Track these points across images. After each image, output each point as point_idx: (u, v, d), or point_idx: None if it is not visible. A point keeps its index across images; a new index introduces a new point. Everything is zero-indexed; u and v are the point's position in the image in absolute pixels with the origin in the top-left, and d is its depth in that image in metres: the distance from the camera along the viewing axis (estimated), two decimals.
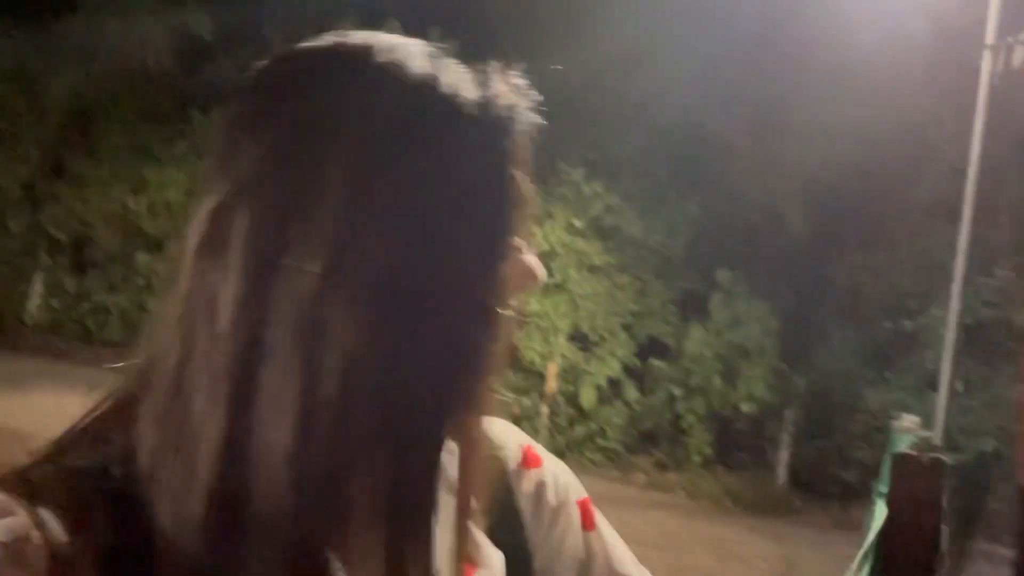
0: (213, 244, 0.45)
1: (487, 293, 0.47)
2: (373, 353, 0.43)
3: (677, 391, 9.27)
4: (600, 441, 9.00)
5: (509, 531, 0.63)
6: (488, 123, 0.50)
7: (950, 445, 5.17)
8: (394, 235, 0.44)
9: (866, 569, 1.96)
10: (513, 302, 0.52)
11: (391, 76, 0.48)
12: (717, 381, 9.17)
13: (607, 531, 0.67)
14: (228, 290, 0.43)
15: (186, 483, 0.43)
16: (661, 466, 9.10)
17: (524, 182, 0.53)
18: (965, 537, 4.86)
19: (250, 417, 0.43)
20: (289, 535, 0.43)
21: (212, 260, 0.45)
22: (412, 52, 0.50)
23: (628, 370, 9.54)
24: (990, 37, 4.74)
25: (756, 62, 10.07)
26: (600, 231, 10.04)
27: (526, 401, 9.28)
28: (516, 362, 9.91)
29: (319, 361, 0.43)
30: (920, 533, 2.09)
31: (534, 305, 9.83)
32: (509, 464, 0.65)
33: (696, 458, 9.07)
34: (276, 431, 0.42)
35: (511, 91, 0.53)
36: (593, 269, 9.90)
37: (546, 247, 9.87)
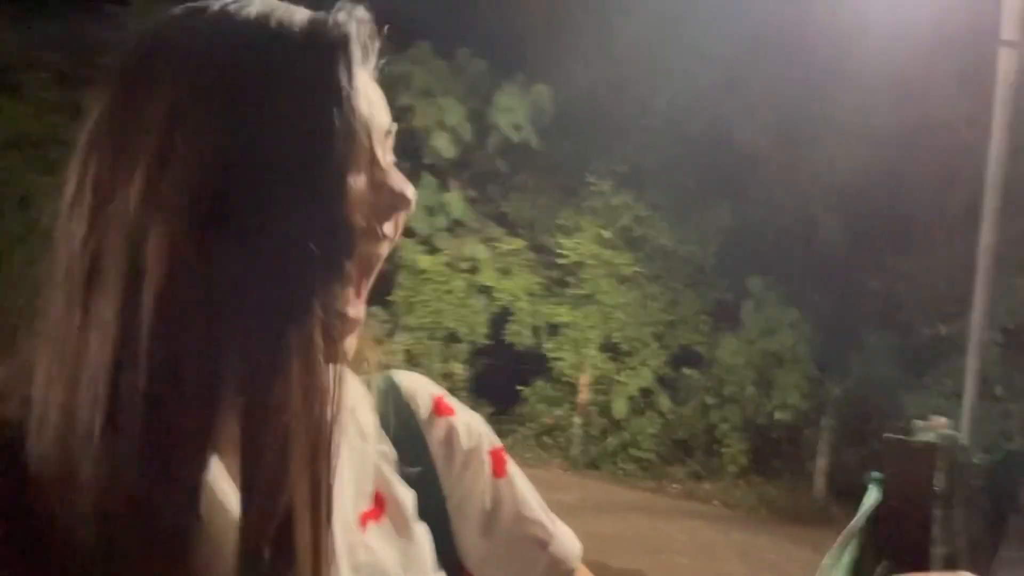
0: (72, 198, 0.49)
1: (326, 209, 0.49)
2: (188, 277, 0.46)
3: (711, 400, 9.22)
4: (634, 451, 8.99)
5: (422, 473, 0.66)
6: (310, 49, 0.51)
7: (980, 446, 5.07)
8: (208, 160, 0.46)
9: (850, 550, 1.99)
10: (387, 224, 0.55)
11: (217, 23, 0.51)
12: (751, 390, 9.10)
13: (519, 480, 0.70)
14: (77, 233, 0.47)
15: (52, 405, 0.47)
16: (696, 476, 9.05)
17: (370, 106, 0.55)
18: (998, 539, 4.76)
19: (87, 336, 0.46)
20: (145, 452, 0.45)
21: (71, 211, 0.48)
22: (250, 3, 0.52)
23: (661, 380, 9.53)
24: (1006, 33, 4.69)
25: (783, 68, 9.98)
26: (630, 241, 10.07)
27: (558, 411, 9.32)
28: (548, 372, 10.02)
29: (137, 287, 0.46)
30: (912, 516, 2.11)
31: (564, 316, 9.90)
32: (420, 412, 0.68)
33: (731, 467, 8.99)
34: (101, 352, 0.46)
35: (345, 21, 0.53)
36: (624, 279, 9.93)
37: (575, 258, 9.94)
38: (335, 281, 0.50)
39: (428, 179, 10.80)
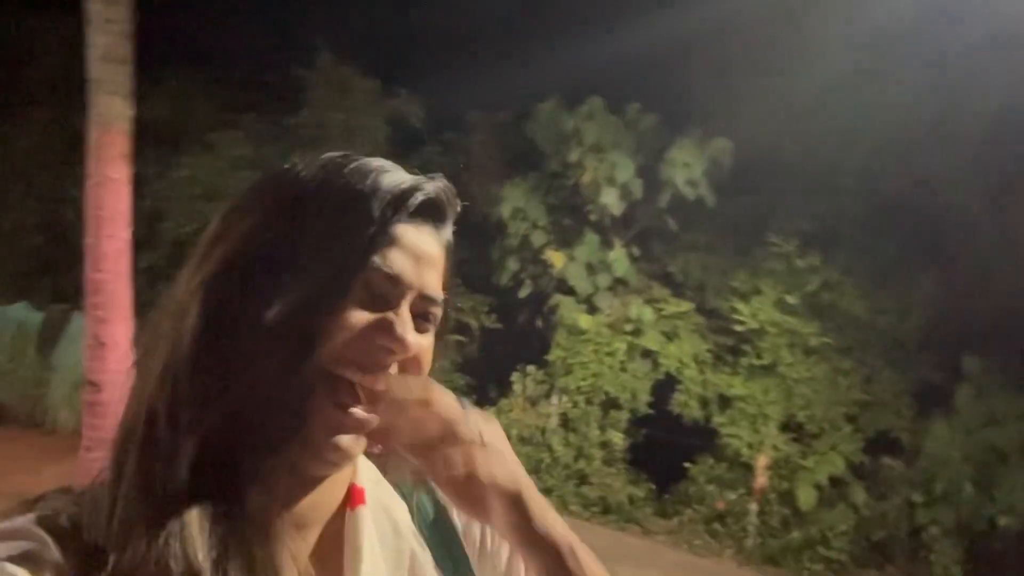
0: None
1: (293, 341, 0.58)
2: (190, 354, 0.60)
3: (917, 497, 7.86)
4: (822, 550, 7.73)
5: (456, 571, 0.73)
6: (370, 197, 0.63)
7: None
8: (232, 253, 0.62)
9: None
10: (378, 360, 0.63)
11: (319, 167, 0.65)
12: (968, 489, 7.67)
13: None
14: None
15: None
16: None
17: (391, 263, 0.64)
18: None
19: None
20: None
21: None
22: (338, 163, 0.66)
23: (854, 468, 8.27)
24: None
25: (995, 125, 8.95)
26: (816, 309, 9.01)
27: (731, 495, 8.24)
28: (718, 450, 8.99)
29: (173, 348, 0.60)
30: None
31: (739, 388, 8.90)
32: (453, 513, 0.76)
33: None
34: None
35: (419, 184, 0.66)
36: (809, 351, 8.84)
37: (753, 325, 8.98)
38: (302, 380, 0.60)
39: (591, 236, 10.30)
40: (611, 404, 9.18)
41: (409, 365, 0.65)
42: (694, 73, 10.78)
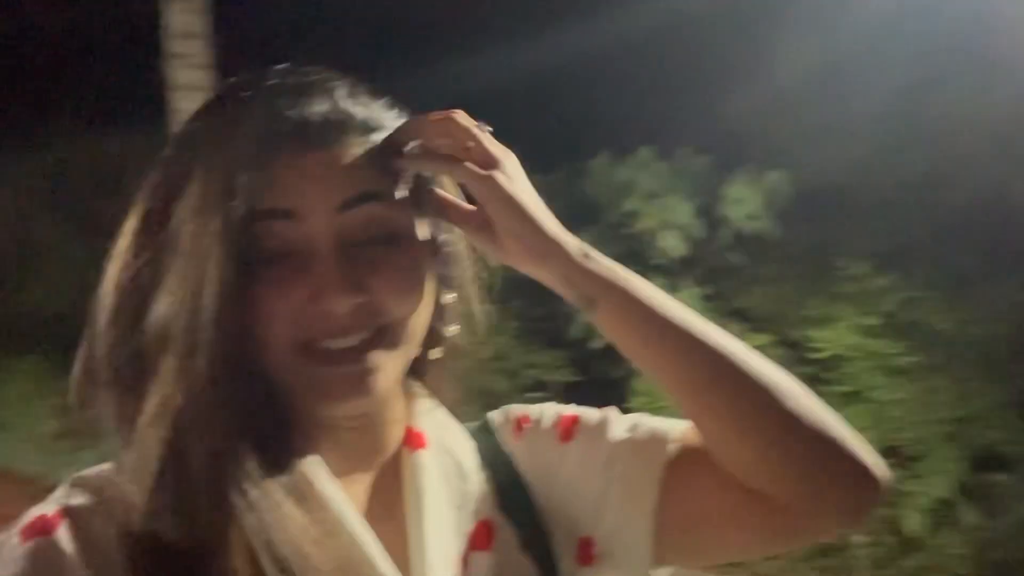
0: None
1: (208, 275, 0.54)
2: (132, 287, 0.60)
3: None
4: None
5: (520, 505, 0.70)
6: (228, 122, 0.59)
7: None
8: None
9: None
10: (320, 315, 0.59)
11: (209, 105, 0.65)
12: None
13: (590, 430, 0.73)
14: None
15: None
16: None
17: (272, 200, 0.59)
18: None
19: None
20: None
21: None
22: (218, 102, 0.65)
23: (963, 488, 7.88)
24: None
25: None
26: (899, 328, 8.76)
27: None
28: None
29: None
30: None
31: None
32: (509, 445, 0.75)
33: None
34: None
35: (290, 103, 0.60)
36: (896, 372, 8.57)
37: (832, 351, 8.78)
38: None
39: (658, 281, 10.31)
40: None
41: (383, 302, 0.58)
42: (744, 109, 10.87)
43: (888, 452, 8.45)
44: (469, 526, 0.65)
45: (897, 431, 8.59)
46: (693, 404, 0.63)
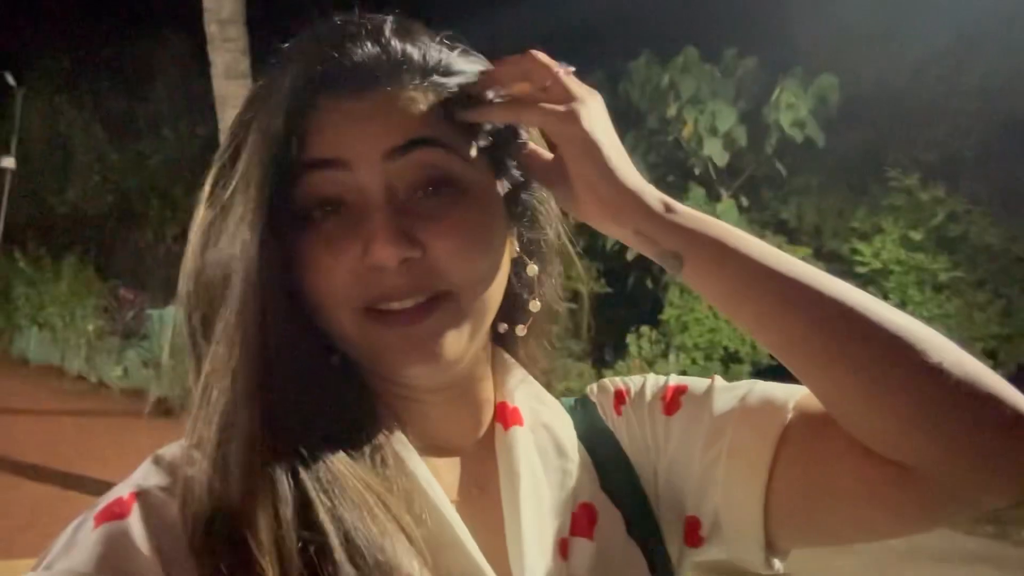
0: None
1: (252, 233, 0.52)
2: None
3: None
4: None
5: (625, 485, 0.66)
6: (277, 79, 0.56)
7: None
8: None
9: None
10: (374, 279, 0.55)
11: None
12: None
13: (696, 404, 0.65)
14: None
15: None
16: None
17: (318, 149, 0.56)
18: None
19: None
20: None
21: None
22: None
23: None
24: None
25: None
26: (944, 242, 8.59)
27: None
28: None
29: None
30: None
31: None
32: (610, 421, 0.69)
33: None
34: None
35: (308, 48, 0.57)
36: (939, 287, 8.46)
37: (877, 265, 8.67)
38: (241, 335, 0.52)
39: (697, 190, 10.16)
40: (731, 358, 9.10)
41: (439, 259, 0.55)
42: (792, 10, 10.38)
43: None
44: (570, 509, 0.61)
45: None
46: (811, 367, 0.53)
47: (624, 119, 11.05)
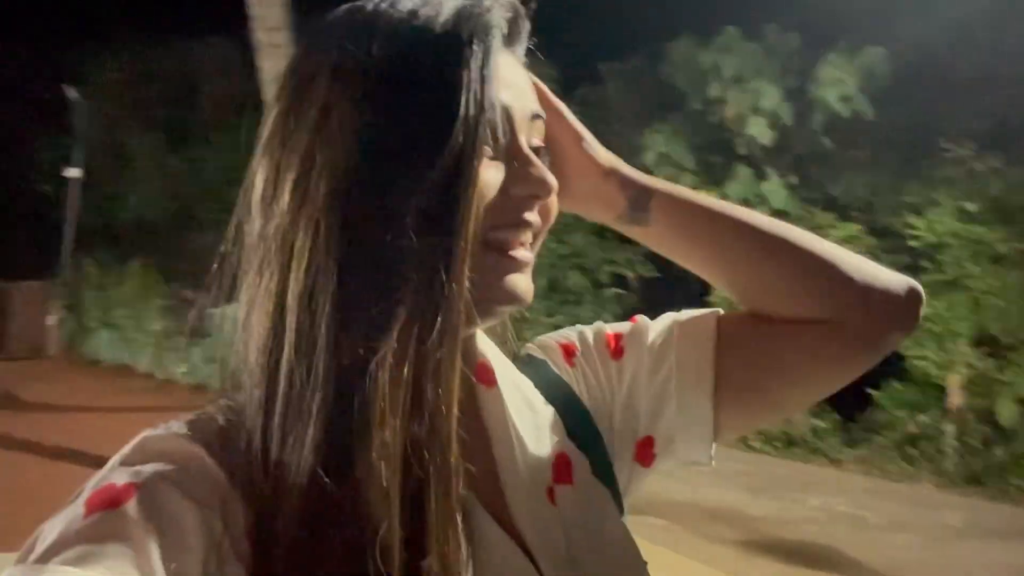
0: (251, 195, 0.60)
1: (442, 198, 0.52)
2: (329, 267, 0.52)
3: None
4: None
5: (586, 431, 0.71)
6: (446, 43, 0.54)
7: None
8: (343, 160, 0.53)
9: None
10: (528, 213, 0.59)
11: (367, 23, 0.56)
12: None
13: (637, 342, 0.73)
14: (254, 228, 0.59)
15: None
16: None
17: (512, 93, 0.58)
18: None
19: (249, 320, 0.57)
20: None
21: (251, 209, 0.60)
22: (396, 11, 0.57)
23: None
24: None
25: None
26: (1002, 214, 8.34)
27: (924, 418, 7.92)
28: (903, 373, 8.59)
29: (287, 272, 0.54)
30: None
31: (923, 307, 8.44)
32: (563, 373, 0.73)
33: None
34: (253, 323, 0.56)
35: (488, 9, 0.56)
36: (997, 260, 8.23)
37: (932, 239, 8.47)
38: (447, 264, 0.52)
39: (743, 170, 10.05)
40: None
41: (546, 210, 0.61)
42: None
43: (984, 341, 8.26)
44: (550, 459, 0.65)
45: (995, 320, 8.30)
46: (743, 270, 0.70)
47: (667, 102, 10.97)
